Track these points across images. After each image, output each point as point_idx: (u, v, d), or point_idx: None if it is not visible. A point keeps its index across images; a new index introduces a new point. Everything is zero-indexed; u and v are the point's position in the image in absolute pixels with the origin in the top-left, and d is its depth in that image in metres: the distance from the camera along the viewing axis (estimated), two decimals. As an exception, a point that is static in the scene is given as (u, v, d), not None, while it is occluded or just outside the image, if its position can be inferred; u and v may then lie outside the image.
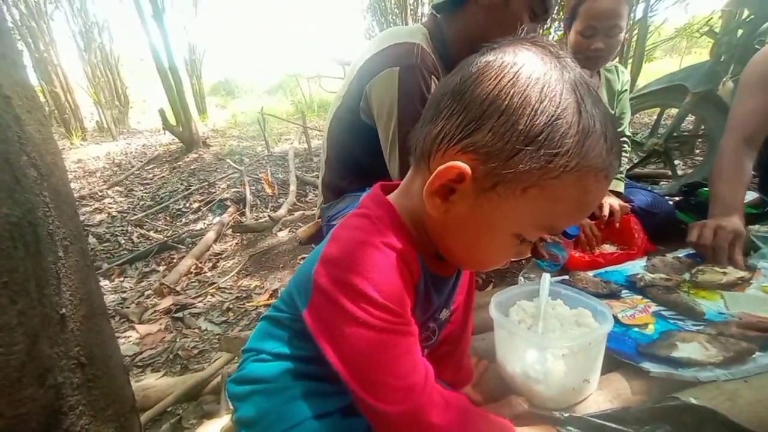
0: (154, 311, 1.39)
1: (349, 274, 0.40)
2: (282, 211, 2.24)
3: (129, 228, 2.45)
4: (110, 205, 2.89)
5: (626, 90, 1.46)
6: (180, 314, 1.34)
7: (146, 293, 1.55)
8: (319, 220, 1.12)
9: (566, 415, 0.56)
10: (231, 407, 0.52)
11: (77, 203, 2.91)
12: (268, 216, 2.13)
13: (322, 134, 1.11)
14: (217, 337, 1.22)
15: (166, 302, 1.43)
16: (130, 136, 5.61)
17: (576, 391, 0.62)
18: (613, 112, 1.45)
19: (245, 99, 9.64)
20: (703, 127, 2.22)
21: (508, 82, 0.36)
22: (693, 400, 0.55)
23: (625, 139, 1.47)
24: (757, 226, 1.06)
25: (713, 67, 1.82)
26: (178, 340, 1.21)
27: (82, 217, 2.64)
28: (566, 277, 0.98)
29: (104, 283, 1.70)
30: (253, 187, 2.83)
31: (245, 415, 0.50)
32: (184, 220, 2.60)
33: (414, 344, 0.42)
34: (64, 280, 0.43)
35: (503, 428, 0.48)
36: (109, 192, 3.15)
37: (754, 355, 0.67)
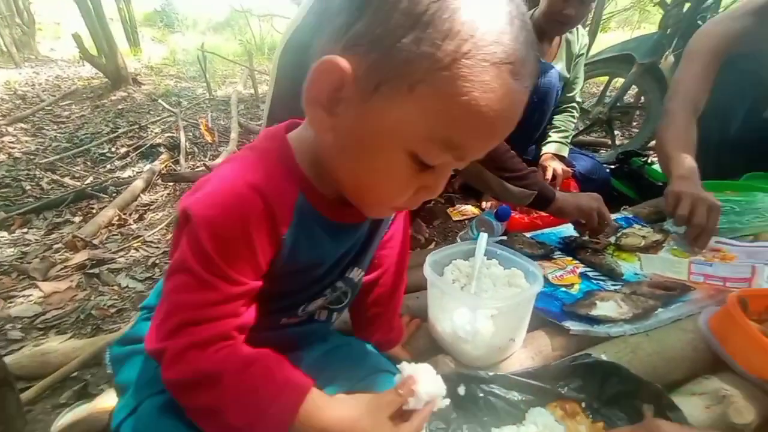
0: (64, 267, 1.23)
1: (193, 206, 0.36)
2: (220, 160, 2.05)
3: (37, 172, 2.12)
4: (12, 145, 2.47)
5: (583, 54, 1.46)
6: (96, 270, 1.20)
7: (55, 246, 1.37)
8: None
9: (491, 374, 0.57)
10: (111, 371, 0.48)
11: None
12: (204, 165, 1.95)
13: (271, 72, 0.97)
14: (139, 294, 1.11)
15: (80, 257, 1.27)
16: (39, 65, 4.79)
17: (501, 349, 0.63)
18: (568, 75, 1.45)
19: (187, 34, 8.55)
20: (642, 99, 2.32)
21: None
22: (603, 356, 0.58)
23: (574, 104, 1.48)
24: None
25: (660, 39, 1.87)
26: (92, 298, 1.09)
27: (-30, 157, 2.24)
28: (504, 238, 0.99)
29: (1, 234, 1.48)
30: (190, 133, 2.56)
31: (123, 379, 0.46)
32: (108, 166, 2.30)
33: (218, 301, 0.36)
34: None
35: (294, 391, 0.38)
36: (10, 129, 2.69)
37: (657, 312, 0.73)
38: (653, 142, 2.18)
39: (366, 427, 0.38)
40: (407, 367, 0.43)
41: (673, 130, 1.06)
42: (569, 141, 1.43)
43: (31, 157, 2.34)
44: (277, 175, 0.38)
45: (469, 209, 1.41)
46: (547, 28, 1.31)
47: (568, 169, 1.32)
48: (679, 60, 1.80)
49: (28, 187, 1.96)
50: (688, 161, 0.99)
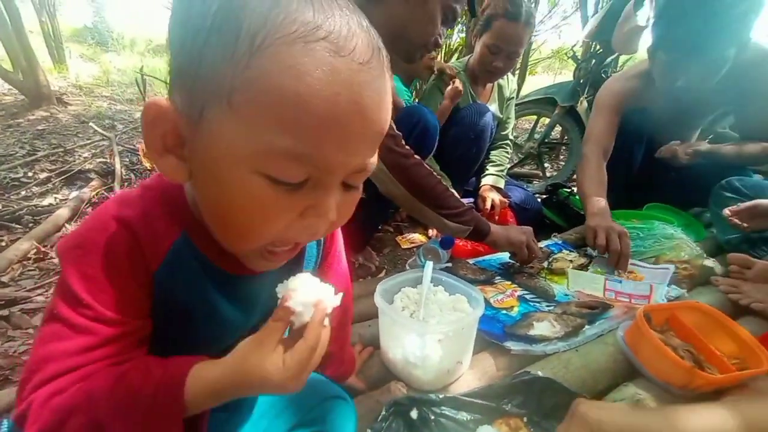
0: (-36, 309, 1.07)
1: (60, 245, 0.34)
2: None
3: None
4: None
5: (513, 97, 1.64)
6: (5, 311, 1.06)
7: (-47, 285, 1.19)
8: None
9: (441, 396, 0.60)
10: None
11: None
12: (142, 193, 1.82)
13: None
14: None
15: (-15, 297, 1.11)
16: (-60, 78, 4.23)
17: (450, 372, 0.67)
18: (501, 115, 1.62)
19: (123, 54, 8.09)
20: (566, 137, 2.63)
21: None
22: (539, 373, 0.63)
23: (508, 141, 1.65)
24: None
25: (575, 86, 2.17)
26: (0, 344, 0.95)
27: None
28: (449, 264, 1.05)
29: None
30: (127, 159, 2.39)
31: None
32: (23, 192, 2.06)
33: (94, 345, 0.33)
34: None
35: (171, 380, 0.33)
36: None
37: (584, 329, 0.81)
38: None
39: (255, 364, 0.33)
40: (279, 288, 0.37)
41: (588, 172, 1.27)
42: (505, 174, 1.58)
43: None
44: (156, 213, 0.36)
45: (417, 237, 1.47)
46: (479, 76, 1.47)
47: (505, 199, 1.45)
48: (591, 104, 2.11)
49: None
50: (599, 200, 1.18)
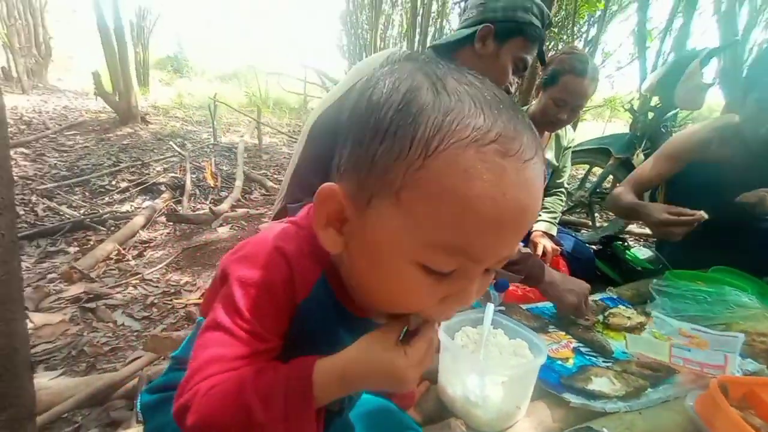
0: (58, 298, 1.20)
1: (232, 266, 0.39)
2: (225, 206, 2.10)
3: (33, 198, 2.11)
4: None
5: (570, 146, 1.67)
6: (92, 305, 1.18)
7: (49, 276, 1.34)
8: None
9: (499, 438, 0.61)
10: (142, 419, 0.47)
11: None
12: (209, 209, 1.99)
13: (285, 130, 1.08)
14: (135, 333, 1.09)
15: (76, 289, 1.25)
16: (47, 93, 4.91)
17: (509, 416, 0.67)
18: (557, 164, 1.64)
19: (194, 80, 8.99)
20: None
21: (364, 95, 0.33)
22: (604, 430, 0.62)
23: (563, 189, 1.66)
24: (655, 281, 1.24)
25: (631, 138, 2.15)
26: (85, 334, 1.06)
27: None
28: (503, 308, 1.06)
29: (-6, 260, 1.44)
30: (194, 176, 2.63)
31: (155, 428, 0.45)
32: (107, 198, 2.31)
33: (244, 355, 0.37)
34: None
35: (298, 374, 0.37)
36: (11, 153, 2.70)
37: (647, 391, 0.78)
38: (628, 227, 2.40)
39: (379, 351, 0.36)
40: None
41: (617, 196, 1.36)
42: (557, 222, 1.58)
43: (28, 182, 2.34)
44: (306, 252, 0.40)
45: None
46: (540, 125, 1.52)
47: (557, 247, 1.44)
48: (647, 157, 2.08)
49: (22, 213, 1.94)
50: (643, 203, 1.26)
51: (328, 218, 0.35)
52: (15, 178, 2.37)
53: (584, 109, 4.64)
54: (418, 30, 4.34)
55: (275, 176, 2.94)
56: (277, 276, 0.39)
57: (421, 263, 0.31)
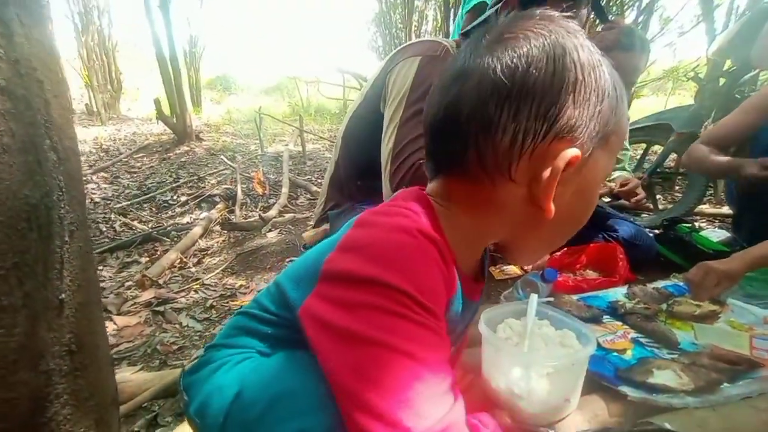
0: (134, 303, 1.35)
1: (357, 253, 0.34)
2: (273, 212, 2.22)
3: (112, 216, 2.39)
4: (93, 191, 2.81)
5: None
6: (161, 308, 1.31)
7: (126, 284, 1.51)
8: (327, 226, 1.07)
9: (551, 431, 0.58)
10: (185, 399, 0.46)
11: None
12: (259, 216, 2.12)
13: (326, 135, 1.12)
14: (198, 334, 1.19)
15: (148, 295, 1.40)
16: (120, 123, 5.50)
17: (557, 409, 0.64)
18: None
19: (241, 96, 9.60)
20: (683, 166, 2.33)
21: (559, 61, 0.36)
22: (667, 425, 0.57)
23: (626, 170, 1.55)
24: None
25: (697, 110, 1.93)
26: (157, 334, 1.18)
27: (63, 201, 2.56)
28: (551, 299, 1.01)
29: (83, 271, 1.65)
30: (245, 185, 2.81)
31: (201, 402, 0.43)
32: (170, 212, 2.55)
33: (447, 368, 0.34)
34: (67, 266, 0.43)
35: None
36: (94, 177, 3.07)
37: (722, 386, 0.71)
38: (699, 208, 2.15)
39: None
40: None
41: (696, 154, 1.23)
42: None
43: (108, 202, 2.64)
44: (441, 246, 0.37)
45: (512, 269, 1.43)
46: None
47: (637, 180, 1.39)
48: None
49: (104, 229, 2.20)
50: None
51: (560, 177, 0.37)
52: (98, 199, 2.70)
53: (641, 83, 4.23)
54: (451, 21, 4.25)
55: (318, 181, 3.05)
56: (439, 264, 0.35)
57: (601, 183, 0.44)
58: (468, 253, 0.43)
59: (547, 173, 0.36)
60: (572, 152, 0.36)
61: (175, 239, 2.03)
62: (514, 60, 0.35)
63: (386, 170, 0.90)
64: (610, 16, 3.49)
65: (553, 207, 0.38)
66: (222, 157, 3.48)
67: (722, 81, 1.89)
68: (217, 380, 0.42)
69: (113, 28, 6.08)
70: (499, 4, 0.95)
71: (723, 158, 1.17)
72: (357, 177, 1.03)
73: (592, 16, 0.99)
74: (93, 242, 2.00)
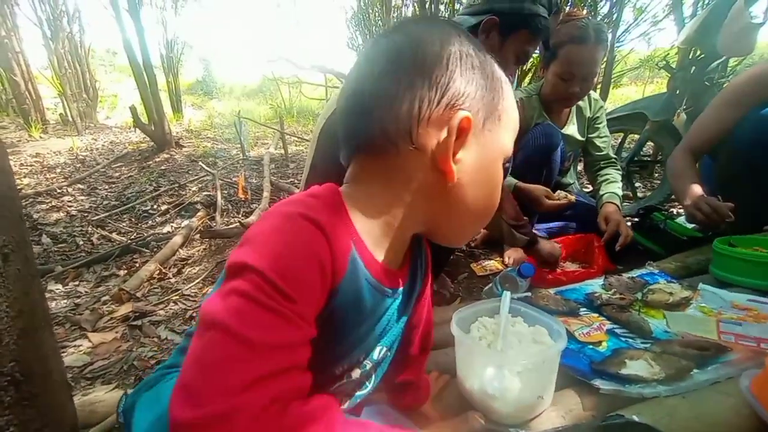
0: (111, 318, 1.32)
1: (251, 254, 0.32)
2: (253, 218, 2.19)
3: (89, 228, 2.33)
4: (69, 204, 2.73)
5: (599, 116, 1.55)
6: (139, 322, 1.28)
7: (103, 299, 1.47)
8: None
9: (522, 431, 0.58)
10: (120, 422, 0.46)
11: (31, 200, 2.74)
12: (239, 222, 2.08)
13: (310, 137, 1.10)
14: (176, 346, 1.17)
15: (125, 309, 1.36)
16: (97, 132, 5.36)
17: (531, 407, 0.64)
18: (582, 138, 1.54)
19: (223, 100, 9.45)
20: (660, 154, 2.37)
21: (446, 39, 0.41)
22: (635, 418, 0.58)
23: (613, 159, 1.56)
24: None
25: (669, 99, 1.96)
26: (134, 349, 1.15)
27: (35, 215, 2.48)
28: (529, 294, 1.01)
29: (56, 287, 1.60)
30: (226, 192, 2.76)
31: (134, 424, 0.43)
32: (150, 222, 2.49)
33: (298, 349, 0.32)
34: (2, 291, 0.41)
35: None
36: (70, 189, 2.99)
37: (692, 373, 0.71)
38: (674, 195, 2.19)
39: None
40: None
41: (677, 172, 1.26)
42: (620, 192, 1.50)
43: (85, 214, 2.57)
44: (336, 223, 0.37)
45: (493, 265, 1.44)
46: (554, 103, 1.43)
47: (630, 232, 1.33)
48: (690, 117, 1.88)
49: (81, 242, 2.14)
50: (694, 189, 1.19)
51: (455, 147, 0.40)
52: (74, 212, 2.63)
53: (618, 73, 4.27)
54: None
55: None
56: (317, 244, 0.34)
57: (506, 156, 0.45)
58: (384, 239, 0.42)
59: (443, 134, 0.39)
60: (463, 113, 0.39)
61: (155, 250, 1.98)
62: (407, 40, 0.41)
63: None
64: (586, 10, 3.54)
65: (455, 170, 0.40)
66: (201, 163, 3.42)
67: (693, 69, 1.93)
68: (147, 401, 0.43)
69: (85, 35, 5.91)
70: (483, 18, 0.98)
71: (680, 185, 1.22)
72: (336, 176, 1.03)
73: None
74: (65, 257, 1.95)
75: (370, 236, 0.41)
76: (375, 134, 0.40)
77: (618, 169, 1.54)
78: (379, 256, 0.42)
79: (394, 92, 0.39)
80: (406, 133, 0.39)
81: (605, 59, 3.21)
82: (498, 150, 0.44)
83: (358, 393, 0.49)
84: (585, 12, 2.10)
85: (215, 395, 0.27)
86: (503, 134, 0.44)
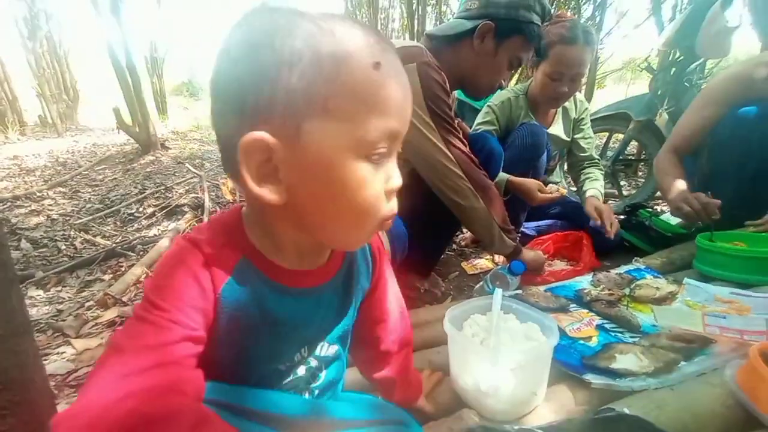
0: (96, 324, 1.28)
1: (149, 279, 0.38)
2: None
3: (72, 233, 2.26)
4: (50, 207, 2.66)
5: (584, 117, 1.58)
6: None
7: (87, 304, 1.43)
8: None
9: (516, 427, 0.58)
10: None
11: (9, 204, 2.66)
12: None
13: None
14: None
15: (110, 314, 1.32)
16: (79, 134, 5.24)
17: (524, 403, 0.64)
18: (568, 138, 1.57)
19: (209, 101, 9.32)
20: (644, 152, 2.43)
21: (249, 49, 0.35)
22: (626, 410, 0.58)
23: (596, 160, 1.59)
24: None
25: (651, 99, 2.01)
26: (120, 355, 1.12)
27: (14, 220, 2.40)
28: (520, 291, 1.02)
29: (37, 294, 1.55)
30: (213, 193, 2.72)
31: None
32: (136, 225, 2.43)
33: (169, 348, 0.34)
34: (-19, 296, 0.39)
35: None
36: (50, 193, 2.90)
37: (679, 365, 0.73)
38: (659, 193, 2.25)
39: None
40: None
41: (663, 170, 1.29)
42: (602, 189, 1.52)
43: (67, 218, 2.50)
44: (221, 241, 0.40)
45: (483, 263, 1.45)
46: (542, 103, 1.45)
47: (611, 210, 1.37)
48: (672, 116, 1.93)
49: (63, 247, 2.08)
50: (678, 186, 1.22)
51: (258, 172, 0.36)
52: (56, 216, 2.55)
53: (602, 74, 4.38)
54: (416, 18, 4.27)
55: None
56: (190, 261, 0.38)
57: (367, 154, 0.36)
58: (278, 246, 0.43)
59: (241, 156, 0.34)
60: (249, 136, 0.34)
61: (141, 253, 1.94)
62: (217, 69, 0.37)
63: (443, 161, 0.98)
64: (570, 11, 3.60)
65: (272, 191, 0.36)
66: (188, 165, 3.36)
67: (672, 70, 1.98)
68: None
69: (65, 34, 5.77)
70: (478, 23, 1.00)
71: (666, 181, 1.26)
72: None
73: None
74: (47, 262, 1.89)
75: (265, 245, 0.42)
76: (224, 157, 0.39)
77: (600, 169, 1.57)
78: (283, 260, 0.43)
79: (216, 113, 0.38)
80: (236, 155, 0.36)
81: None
82: (337, 149, 0.35)
83: (314, 385, 0.51)
84: (570, 14, 2.14)
85: (82, 397, 0.30)
86: (341, 124, 0.35)
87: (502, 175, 1.31)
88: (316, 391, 0.52)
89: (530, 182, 1.30)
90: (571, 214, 1.53)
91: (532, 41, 1.03)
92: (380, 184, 0.38)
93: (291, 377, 0.48)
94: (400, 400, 0.63)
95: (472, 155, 1.01)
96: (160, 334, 0.34)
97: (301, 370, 0.49)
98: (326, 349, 0.51)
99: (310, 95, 0.34)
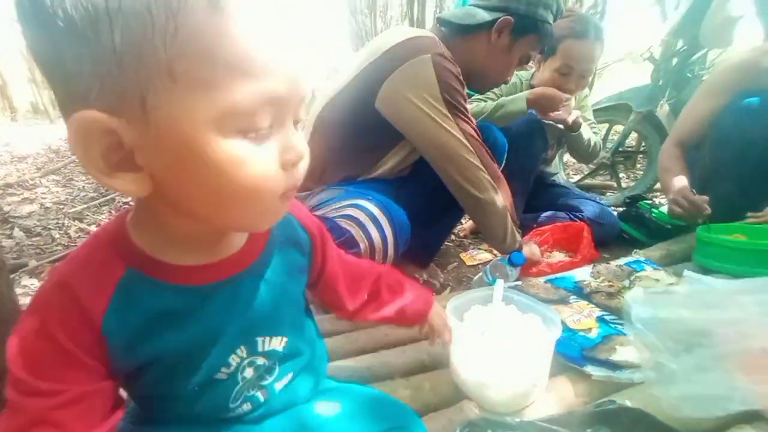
0: (90, 314, 1.27)
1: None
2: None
3: (66, 221, 2.23)
4: (44, 195, 2.62)
5: (585, 105, 1.56)
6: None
7: (82, 294, 1.42)
8: None
9: (518, 420, 0.58)
10: None
11: (1, 192, 2.61)
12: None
13: (309, 116, 1.09)
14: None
15: (105, 304, 1.31)
16: (72, 121, 5.15)
17: (525, 395, 0.64)
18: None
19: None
20: (643, 144, 2.41)
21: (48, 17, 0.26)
22: (627, 403, 0.58)
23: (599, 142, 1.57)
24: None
25: (653, 90, 1.99)
26: (116, 345, 1.11)
27: (6, 208, 2.37)
28: (519, 282, 1.01)
29: (31, 282, 1.53)
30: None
31: None
32: (131, 214, 2.41)
33: (26, 423, 0.32)
34: (-34, 284, 0.37)
35: None
36: (43, 180, 2.86)
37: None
38: (658, 185, 2.24)
39: None
40: None
41: (665, 166, 1.27)
42: (593, 132, 1.51)
43: (61, 206, 2.47)
44: (97, 259, 0.36)
45: (482, 254, 1.44)
46: None
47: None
48: (673, 108, 1.91)
49: (57, 236, 2.05)
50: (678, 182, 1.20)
51: (107, 159, 0.29)
52: (49, 204, 2.52)
53: (605, 65, 4.33)
54: (416, 5, 4.20)
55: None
56: (52, 313, 0.34)
57: (239, 128, 0.30)
58: (171, 242, 0.38)
59: (73, 146, 0.28)
60: (80, 116, 0.27)
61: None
62: None
63: (463, 154, 0.95)
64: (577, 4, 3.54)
65: (128, 180, 0.30)
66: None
67: (675, 60, 1.96)
68: None
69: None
70: (499, 16, 0.98)
71: (666, 179, 1.25)
72: (332, 160, 1.04)
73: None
74: (41, 251, 1.87)
75: (158, 245, 0.37)
76: None
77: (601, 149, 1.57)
78: (181, 258, 0.38)
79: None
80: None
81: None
82: (196, 123, 0.28)
83: (269, 381, 0.46)
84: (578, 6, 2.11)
85: None
86: (199, 96, 0.28)
87: (521, 96, 1.28)
88: (277, 385, 0.47)
89: (549, 88, 1.28)
90: (573, 207, 1.52)
91: (543, 40, 1.02)
92: (268, 160, 0.32)
93: (239, 383, 0.43)
94: (415, 310, 0.62)
95: (486, 146, 0.99)
96: (21, 415, 0.32)
97: (249, 372, 0.44)
98: (270, 343, 0.45)
99: (144, 58, 0.26)
